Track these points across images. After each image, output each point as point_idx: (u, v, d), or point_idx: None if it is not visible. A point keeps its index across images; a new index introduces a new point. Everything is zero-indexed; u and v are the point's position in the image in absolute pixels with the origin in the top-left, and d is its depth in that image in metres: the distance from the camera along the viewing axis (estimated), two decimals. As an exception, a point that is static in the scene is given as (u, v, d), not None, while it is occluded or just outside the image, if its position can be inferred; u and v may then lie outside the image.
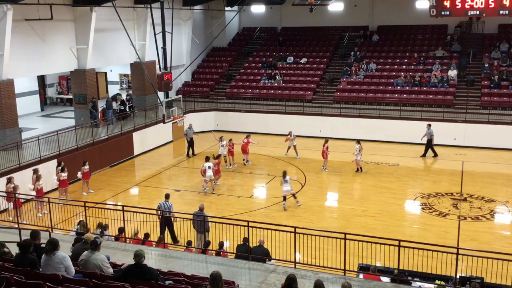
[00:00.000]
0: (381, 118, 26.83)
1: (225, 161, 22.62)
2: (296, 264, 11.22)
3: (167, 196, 15.09)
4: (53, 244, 8.06)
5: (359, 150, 21.55)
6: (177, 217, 14.74)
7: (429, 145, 23.98)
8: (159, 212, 14.62)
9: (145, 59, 28.17)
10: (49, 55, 22.81)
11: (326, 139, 22.70)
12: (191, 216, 14.36)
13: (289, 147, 24.42)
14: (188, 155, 25.03)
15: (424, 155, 24.14)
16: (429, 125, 23.92)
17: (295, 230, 11.02)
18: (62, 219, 15.45)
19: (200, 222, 13.74)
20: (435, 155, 24.02)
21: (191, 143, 24.93)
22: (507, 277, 10.19)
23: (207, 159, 19.56)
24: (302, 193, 19.60)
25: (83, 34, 23.80)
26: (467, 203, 18.34)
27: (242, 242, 12.30)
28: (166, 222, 14.74)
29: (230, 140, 22.84)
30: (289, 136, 24.12)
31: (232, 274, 10.22)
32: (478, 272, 10.35)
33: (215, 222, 12.75)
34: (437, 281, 11.06)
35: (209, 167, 19.19)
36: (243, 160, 23.41)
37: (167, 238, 14.65)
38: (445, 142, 25.39)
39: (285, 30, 36.86)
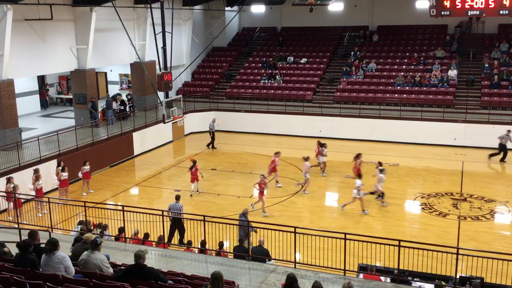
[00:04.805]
0: (381, 118, 26.81)
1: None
2: (296, 264, 11.22)
3: (177, 197, 15.01)
4: (53, 244, 8.06)
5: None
6: (186, 219, 14.63)
7: (505, 149, 23.04)
8: (170, 213, 14.50)
9: (145, 59, 28.18)
10: (49, 55, 22.81)
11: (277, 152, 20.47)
12: (193, 217, 14.30)
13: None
14: (208, 147, 26.34)
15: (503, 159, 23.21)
16: (509, 131, 23.03)
17: (295, 230, 11.02)
18: (62, 219, 15.47)
19: (241, 227, 13.36)
20: (500, 158, 23.20)
21: (212, 137, 26.43)
22: (507, 277, 10.19)
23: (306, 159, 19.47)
24: (302, 193, 19.61)
25: (83, 34, 23.81)
26: (467, 203, 18.34)
27: (238, 244, 12.37)
28: (177, 223, 14.68)
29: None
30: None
31: (232, 274, 10.22)
32: (478, 272, 10.36)
33: (215, 222, 12.75)
34: (437, 281, 11.07)
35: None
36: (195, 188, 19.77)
37: (175, 239, 14.64)
38: (445, 142, 25.45)
39: (285, 30, 36.85)
